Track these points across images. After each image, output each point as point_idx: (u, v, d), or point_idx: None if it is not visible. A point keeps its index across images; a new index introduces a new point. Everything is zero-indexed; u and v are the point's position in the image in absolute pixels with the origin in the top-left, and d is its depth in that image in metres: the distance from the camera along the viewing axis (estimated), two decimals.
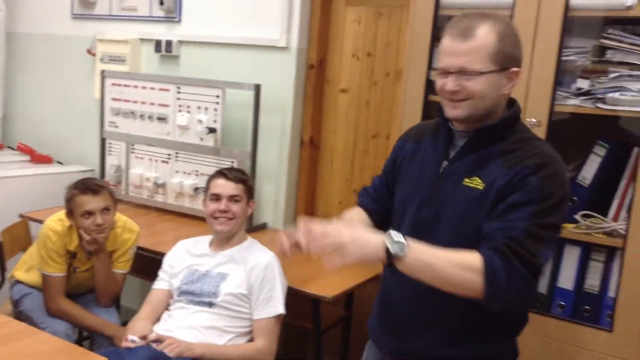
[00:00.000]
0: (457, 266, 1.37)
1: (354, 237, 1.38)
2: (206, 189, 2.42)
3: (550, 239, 1.41)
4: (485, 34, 1.42)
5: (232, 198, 2.35)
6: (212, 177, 2.41)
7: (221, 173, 2.40)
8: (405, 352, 1.63)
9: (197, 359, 2.13)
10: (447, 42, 1.46)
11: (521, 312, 1.61)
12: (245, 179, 2.42)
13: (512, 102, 1.56)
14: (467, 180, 1.48)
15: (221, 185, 2.36)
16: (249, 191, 2.42)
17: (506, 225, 1.38)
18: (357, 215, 1.75)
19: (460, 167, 1.51)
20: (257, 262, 2.31)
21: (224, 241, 2.39)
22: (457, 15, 1.52)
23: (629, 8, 2.00)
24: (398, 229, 1.46)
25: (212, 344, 2.19)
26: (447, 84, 1.45)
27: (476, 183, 1.47)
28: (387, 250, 1.37)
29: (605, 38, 2.08)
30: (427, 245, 1.40)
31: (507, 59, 1.44)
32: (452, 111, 1.49)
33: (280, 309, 2.27)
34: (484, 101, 1.46)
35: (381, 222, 1.69)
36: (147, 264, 2.91)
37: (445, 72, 1.46)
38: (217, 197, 2.35)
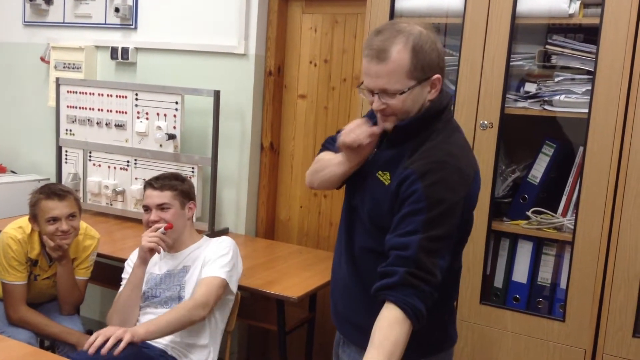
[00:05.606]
0: (396, 332, 1.42)
1: None
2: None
3: (445, 247, 1.47)
4: (399, 54, 1.46)
5: (160, 207, 2.31)
6: (144, 188, 2.38)
7: (148, 183, 2.36)
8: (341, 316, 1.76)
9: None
10: (366, 63, 1.51)
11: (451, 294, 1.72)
12: (172, 184, 2.35)
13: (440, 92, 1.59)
14: (380, 172, 1.56)
15: (148, 196, 2.33)
16: (182, 195, 2.36)
17: (402, 242, 1.45)
18: (327, 155, 1.77)
19: (380, 159, 1.59)
20: (213, 244, 2.35)
21: (173, 246, 2.36)
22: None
23: (571, 16, 2.13)
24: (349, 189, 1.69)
25: (149, 320, 2.08)
26: (374, 102, 1.53)
27: (385, 178, 1.55)
28: None
29: (550, 44, 2.21)
30: (383, 341, 1.43)
31: (424, 70, 1.49)
32: (382, 124, 1.57)
33: (223, 275, 2.23)
34: (410, 113, 1.53)
35: None
36: (108, 272, 2.90)
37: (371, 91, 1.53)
38: (146, 208, 2.34)
